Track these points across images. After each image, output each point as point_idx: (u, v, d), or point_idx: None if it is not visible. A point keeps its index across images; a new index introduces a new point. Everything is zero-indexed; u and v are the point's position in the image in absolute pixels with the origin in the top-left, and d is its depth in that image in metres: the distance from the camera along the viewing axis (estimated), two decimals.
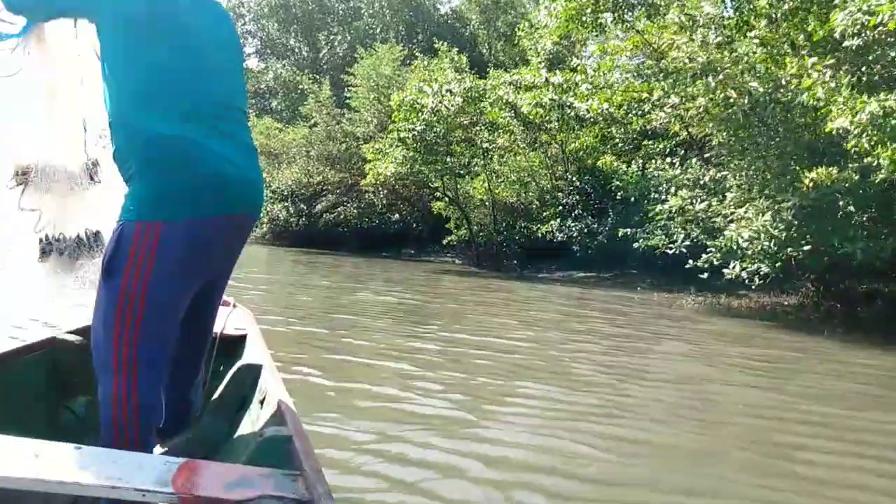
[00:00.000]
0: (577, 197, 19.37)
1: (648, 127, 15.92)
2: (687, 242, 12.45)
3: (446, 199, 21.80)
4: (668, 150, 15.41)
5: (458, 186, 21.33)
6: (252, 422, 2.18)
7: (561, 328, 8.81)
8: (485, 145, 19.77)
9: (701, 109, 9.53)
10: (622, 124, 15.64)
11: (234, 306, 2.99)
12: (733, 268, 9.25)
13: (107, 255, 1.76)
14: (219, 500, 1.34)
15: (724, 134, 9.89)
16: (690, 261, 10.29)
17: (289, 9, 42.87)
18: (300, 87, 31.51)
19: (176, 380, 2.07)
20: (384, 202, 27.57)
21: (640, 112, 14.03)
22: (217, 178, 1.77)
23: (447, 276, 17.70)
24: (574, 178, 19.30)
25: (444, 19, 39.67)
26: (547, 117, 17.96)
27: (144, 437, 1.76)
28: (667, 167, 14.80)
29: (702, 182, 11.39)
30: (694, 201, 10.87)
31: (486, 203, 20.90)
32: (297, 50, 42.71)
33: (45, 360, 2.41)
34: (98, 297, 1.79)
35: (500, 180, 21.22)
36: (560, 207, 19.80)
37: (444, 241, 22.03)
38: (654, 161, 15.88)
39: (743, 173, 9.82)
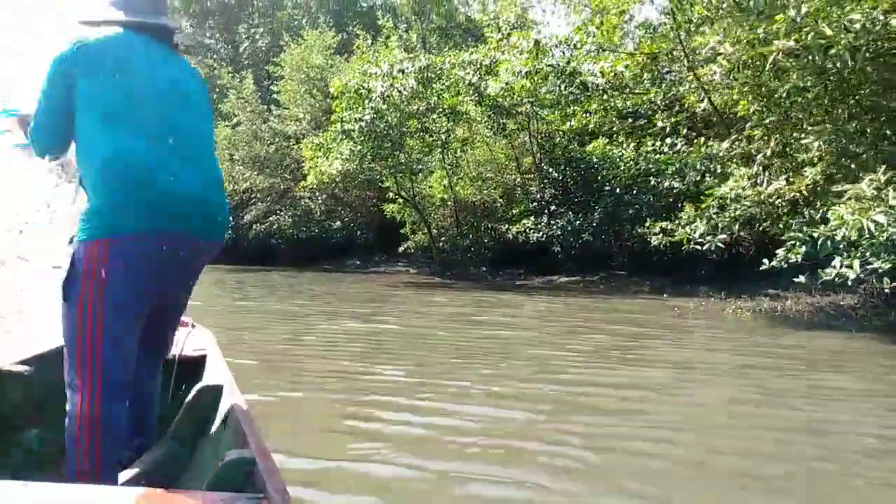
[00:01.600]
0: (553, 190, 16.88)
1: (643, 105, 13.60)
2: (723, 236, 10.08)
3: (400, 200, 18.91)
4: (670, 128, 13.07)
5: (414, 185, 18.48)
6: (214, 444, 2.10)
7: (654, 365, 5.95)
8: (442, 136, 16.99)
9: (776, 53, 7.02)
10: (635, 95, 13.05)
11: (193, 326, 2.96)
12: (842, 265, 6.77)
13: (63, 277, 1.82)
14: None
15: (798, 87, 7.45)
16: (766, 260, 7.79)
17: (202, 2, 38.98)
18: (219, 82, 27.86)
19: (134, 402, 2.05)
20: (323, 209, 24.45)
21: (657, 76, 11.51)
22: (163, 195, 1.82)
23: (409, 289, 14.81)
24: (550, 170, 16.77)
25: (375, 11, 36.74)
26: (517, 99, 15.40)
27: (107, 452, 1.77)
28: (681, 146, 12.49)
29: (760, 157, 8.97)
30: (758, 180, 8.41)
31: (449, 202, 18.14)
32: (213, 46, 38.83)
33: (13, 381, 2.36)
34: (62, 318, 1.84)
35: (460, 176, 18.52)
36: (534, 204, 17.25)
37: (401, 249, 19.16)
38: (647, 142, 13.54)
39: (832, 137, 7.42)
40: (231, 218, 21.56)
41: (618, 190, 14.53)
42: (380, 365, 5.53)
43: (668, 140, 13.23)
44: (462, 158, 18.27)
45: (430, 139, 16.92)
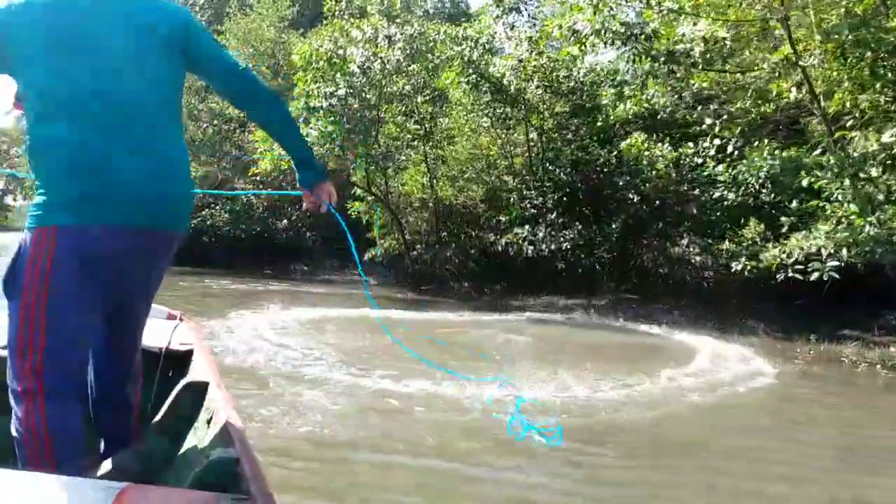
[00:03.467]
0: (557, 196, 14.28)
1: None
2: (834, 263, 7.73)
3: (371, 197, 15.89)
4: (720, 127, 10.69)
5: (388, 181, 15.53)
6: (198, 441, 2.02)
7: None
8: (426, 125, 14.13)
9: None
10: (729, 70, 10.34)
11: (181, 320, 2.87)
12: None
13: (8, 265, 1.73)
14: None
15: None
16: None
17: None
18: None
19: (105, 399, 2.01)
20: (266, 205, 21.11)
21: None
22: (111, 186, 1.71)
23: (397, 309, 11.88)
24: (556, 171, 14.16)
25: None
26: (526, 82, 12.76)
27: (62, 467, 1.59)
28: (734, 150, 10.18)
29: None
30: None
31: (430, 204, 15.26)
32: None
33: None
34: (7, 320, 1.73)
35: (444, 174, 15.70)
36: (533, 210, 14.62)
37: (367, 256, 16.12)
38: (695, 143, 11.16)
39: None
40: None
41: (653, 200, 12.05)
42: None
43: (717, 141, 10.85)
44: (449, 153, 15.46)
45: (413, 127, 14.03)
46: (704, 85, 10.58)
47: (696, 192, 10.96)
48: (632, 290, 14.21)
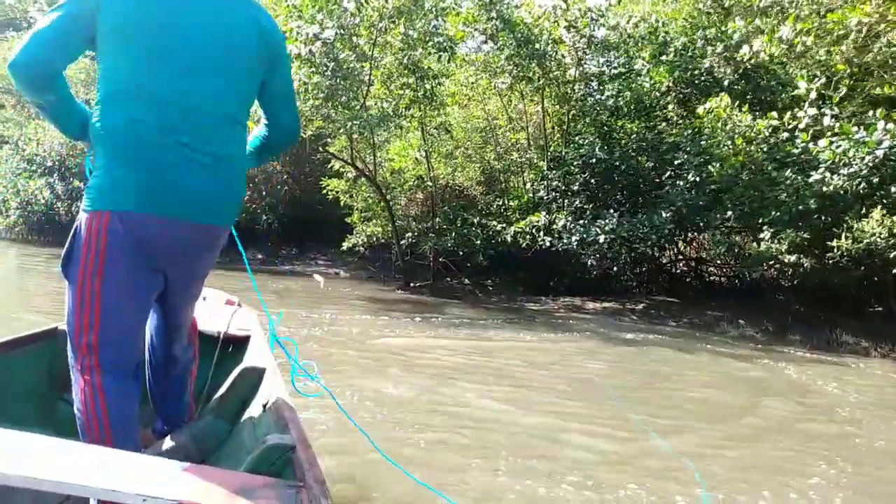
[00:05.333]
0: (584, 176, 11.81)
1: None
2: None
3: (354, 173, 13.03)
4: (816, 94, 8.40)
5: (376, 153, 12.73)
6: (253, 426, 2.04)
7: None
8: (427, 85, 11.41)
9: None
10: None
11: (240, 306, 2.89)
12: None
13: (65, 248, 1.79)
14: None
15: None
16: None
17: None
18: None
19: (160, 378, 2.10)
20: None
21: None
22: (169, 179, 1.74)
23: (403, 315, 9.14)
24: (583, 144, 11.67)
25: None
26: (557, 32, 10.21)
27: (118, 440, 1.68)
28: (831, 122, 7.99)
29: None
30: None
31: (428, 183, 12.52)
32: None
33: (45, 350, 2.35)
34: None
35: (438, 147, 13.00)
36: (553, 194, 12.11)
37: (345, 246, 13.31)
38: (779, 114, 8.84)
39: None
40: (79, 184, 14.69)
41: (720, 183, 9.69)
42: None
43: (812, 111, 8.57)
44: (454, 122, 12.78)
45: (412, 88, 11.28)
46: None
47: (789, 173, 8.65)
48: (664, 292, 11.92)
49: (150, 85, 1.70)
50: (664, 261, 12.54)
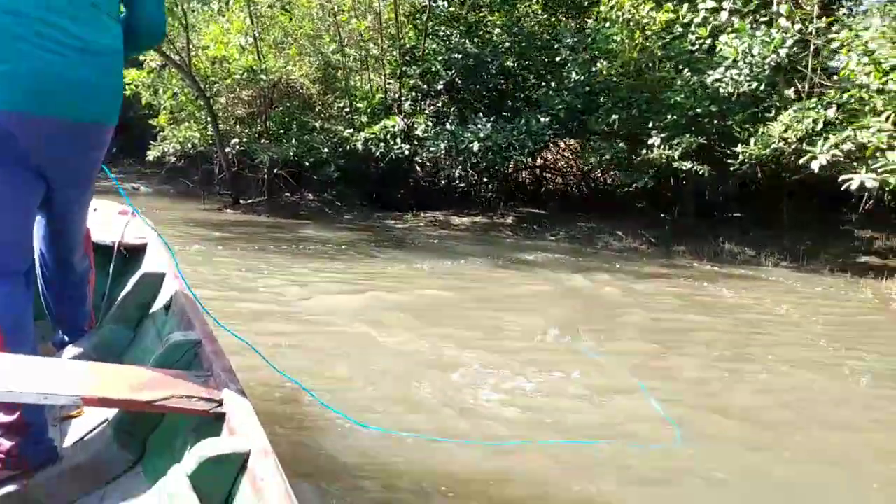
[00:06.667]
0: (449, 76, 10.36)
1: None
2: None
3: (161, 62, 10.22)
4: None
5: (190, 37, 10.04)
6: (157, 329, 2.03)
7: None
8: None
9: None
10: None
11: (133, 215, 2.81)
12: None
13: None
14: (125, 402, 1.31)
15: None
16: None
17: None
18: None
19: (54, 287, 2.03)
20: None
21: None
22: (16, 74, 1.58)
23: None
24: (451, 41, 10.17)
25: None
26: None
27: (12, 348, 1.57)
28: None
29: None
30: None
31: (261, 77, 10.16)
32: None
33: None
34: None
35: (271, 34, 10.67)
36: (408, 96, 10.52)
37: (150, 156, 10.67)
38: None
39: None
40: None
41: (606, 83, 8.82)
42: None
43: (711, 2, 7.90)
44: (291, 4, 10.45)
45: None
46: None
47: (686, 73, 7.98)
48: (530, 204, 11.14)
49: None
50: (536, 170, 11.70)
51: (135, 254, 2.55)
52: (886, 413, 3.20)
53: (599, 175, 11.08)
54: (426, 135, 10.09)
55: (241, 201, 10.71)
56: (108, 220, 2.72)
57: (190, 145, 10.69)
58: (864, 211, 8.51)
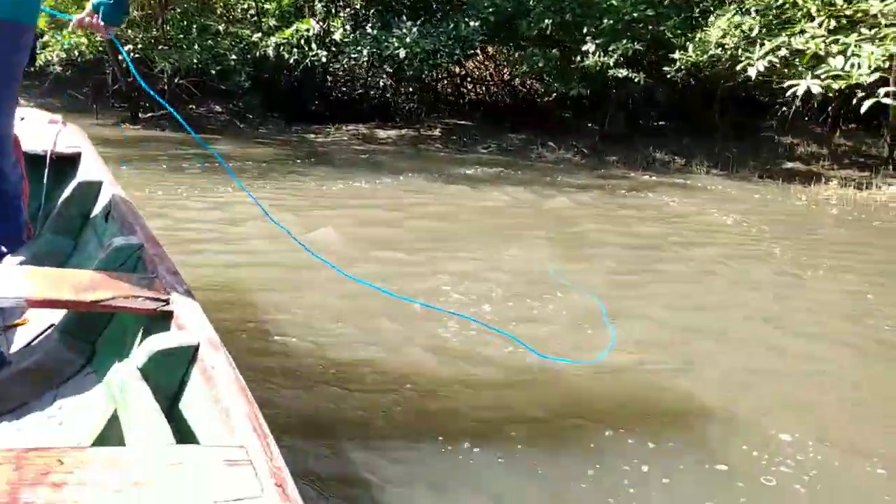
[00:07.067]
0: None
1: None
2: None
3: None
4: None
5: None
6: (98, 236, 2.00)
7: None
8: None
9: None
10: None
11: (64, 124, 2.77)
12: None
13: None
14: (71, 303, 1.30)
15: None
16: None
17: None
18: None
19: None
20: None
21: None
22: None
23: None
24: None
25: None
26: None
27: None
28: None
29: None
30: None
31: None
32: None
33: None
34: None
35: None
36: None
37: (39, 63, 9.34)
38: None
39: None
40: None
41: None
42: None
43: None
44: None
45: None
46: None
47: None
48: (455, 115, 10.71)
49: None
50: (456, 80, 11.18)
51: (69, 163, 2.48)
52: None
53: (521, 85, 10.73)
54: (345, 40, 9.38)
55: (141, 116, 9.70)
56: (38, 129, 2.62)
57: (77, 52, 9.46)
58: (785, 119, 8.68)
